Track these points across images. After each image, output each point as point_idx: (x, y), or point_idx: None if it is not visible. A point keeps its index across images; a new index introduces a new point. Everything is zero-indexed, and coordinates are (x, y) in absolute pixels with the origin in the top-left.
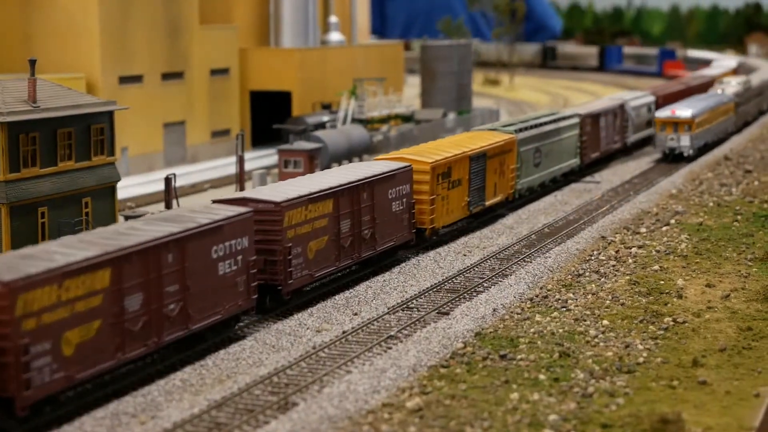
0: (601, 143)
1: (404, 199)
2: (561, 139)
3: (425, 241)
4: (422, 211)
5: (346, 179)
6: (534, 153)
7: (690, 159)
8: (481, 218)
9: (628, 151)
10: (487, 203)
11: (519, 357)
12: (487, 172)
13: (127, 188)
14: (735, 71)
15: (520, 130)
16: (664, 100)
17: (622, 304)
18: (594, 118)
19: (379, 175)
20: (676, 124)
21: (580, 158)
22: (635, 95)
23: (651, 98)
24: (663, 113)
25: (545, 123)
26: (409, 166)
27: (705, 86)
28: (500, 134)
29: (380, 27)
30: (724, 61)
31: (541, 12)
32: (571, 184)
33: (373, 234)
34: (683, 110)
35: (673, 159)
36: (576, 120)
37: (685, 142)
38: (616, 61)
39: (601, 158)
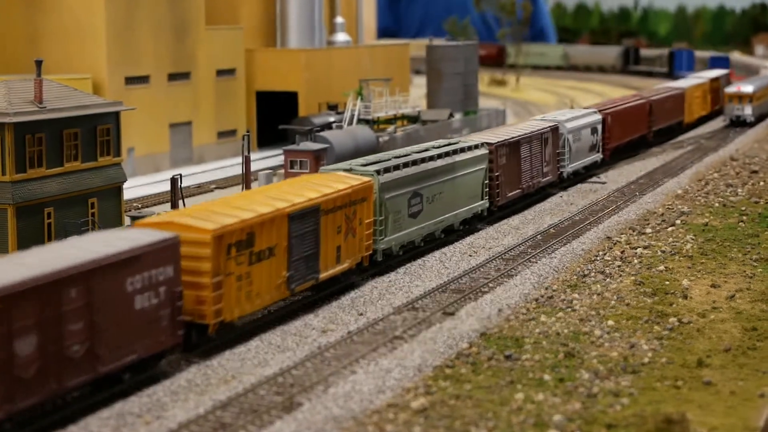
0: (523, 178)
1: (162, 288)
2: (458, 177)
3: (208, 341)
4: (201, 299)
5: (35, 271)
6: (410, 199)
7: (751, 124)
8: (326, 290)
9: (571, 182)
10: (324, 275)
11: (524, 357)
12: (324, 233)
13: (133, 189)
14: (715, 80)
15: (387, 169)
16: (614, 120)
17: (627, 305)
18: (512, 146)
19: (103, 262)
20: (740, 98)
21: (490, 199)
22: (576, 114)
23: (597, 117)
24: (731, 89)
25: (432, 158)
26: (174, 237)
27: (674, 99)
28: (350, 178)
29: (394, 27)
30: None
31: (541, 15)
32: (578, 185)
33: (91, 349)
34: (746, 87)
35: (738, 125)
36: (483, 151)
37: (747, 111)
38: (686, 67)
39: (526, 195)
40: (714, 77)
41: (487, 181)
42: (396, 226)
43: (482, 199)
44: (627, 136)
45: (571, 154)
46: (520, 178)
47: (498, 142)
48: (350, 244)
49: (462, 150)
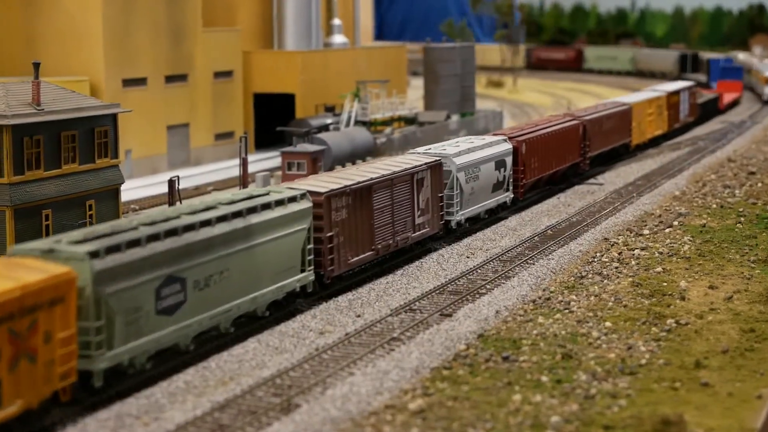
0: (378, 235)
1: None
2: (259, 245)
3: None
4: None
5: None
6: (160, 288)
7: None
8: None
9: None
10: None
11: (521, 359)
12: None
13: (130, 191)
14: (674, 94)
15: (114, 248)
16: (531, 149)
17: (625, 306)
18: (356, 195)
19: None
20: None
21: (319, 269)
22: (473, 144)
23: (506, 147)
24: (766, 71)
25: (205, 223)
26: None
27: (617, 118)
28: (34, 268)
29: (378, 30)
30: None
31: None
32: (575, 186)
33: None
34: None
35: None
36: (305, 205)
37: None
38: (737, 75)
39: (381, 258)
40: (673, 90)
41: (310, 246)
42: (132, 330)
43: (304, 271)
44: (550, 167)
45: (463, 196)
46: (371, 235)
47: (330, 191)
48: (23, 375)
49: (266, 207)
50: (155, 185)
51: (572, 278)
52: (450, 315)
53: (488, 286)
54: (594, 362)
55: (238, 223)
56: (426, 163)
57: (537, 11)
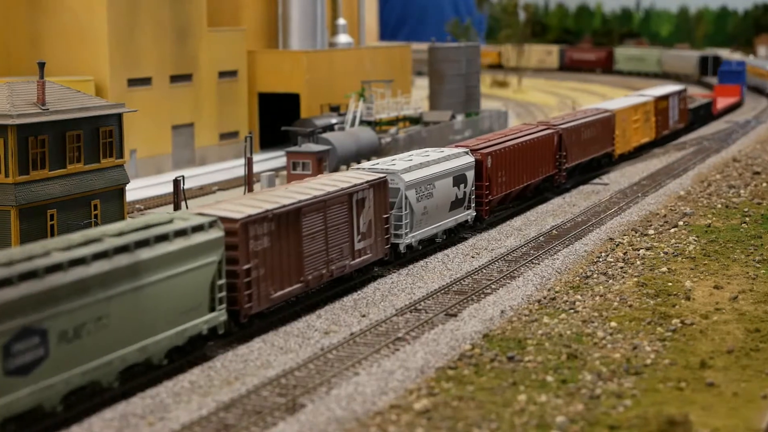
0: (309, 264)
1: None
2: (150, 285)
3: None
4: None
5: None
6: (11, 343)
7: None
8: None
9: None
10: None
11: (527, 359)
12: None
13: (135, 190)
14: (663, 99)
15: None
16: (497, 162)
17: (630, 306)
18: (281, 220)
19: None
20: None
21: (234, 306)
22: (427, 159)
23: (466, 160)
24: None
25: (78, 262)
26: None
27: (598, 126)
28: None
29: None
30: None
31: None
32: (580, 186)
33: None
34: None
35: None
36: (214, 234)
37: None
38: (737, 78)
39: (313, 290)
40: (661, 95)
41: (222, 281)
42: None
43: (214, 310)
44: (520, 181)
45: (413, 217)
46: (300, 266)
47: (248, 217)
48: None
49: (161, 239)
50: (160, 185)
51: (577, 278)
52: (455, 315)
53: (493, 286)
54: (599, 362)
55: (122, 260)
56: (368, 181)
57: (542, 11)
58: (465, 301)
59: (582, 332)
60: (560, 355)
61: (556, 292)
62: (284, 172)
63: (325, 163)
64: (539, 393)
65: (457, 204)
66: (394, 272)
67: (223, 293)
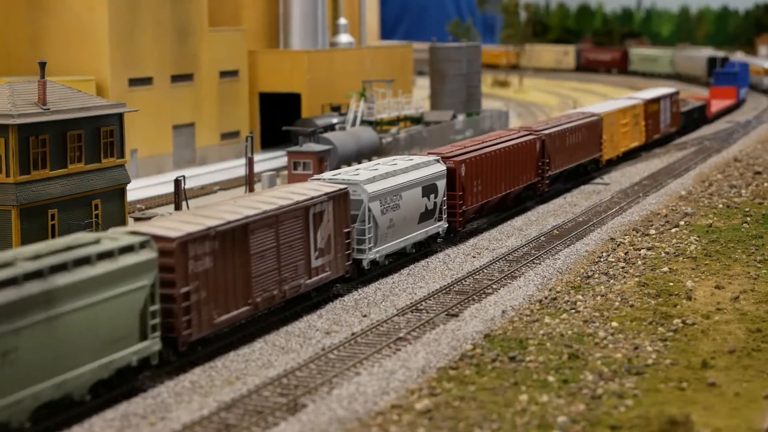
0: (258, 285)
1: None
2: (69, 314)
3: None
4: None
5: None
6: None
7: None
8: None
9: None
10: None
11: (528, 359)
12: None
13: (136, 190)
14: (654, 102)
15: None
16: (471, 170)
17: (631, 306)
18: (226, 238)
19: None
20: None
21: (171, 333)
22: (394, 168)
23: (437, 169)
24: None
25: None
26: None
27: (584, 131)
28: None
29: None
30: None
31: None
32: (581, 186)
33: None
34: None
35: None
36: (145, 256)
37: None
38: (733, 80)
39: (264, 313)
40: (652, 98)
41: (155, 307)
42: None
43: (147, 339)
44: (498, 190)
45: (378, 230)
46: (248, 287)
47: (186, 235)
48: None
49: (82, 262)
50: (161, 185)
51: (578, 278)
52: (456, 315)
53: (494, 286)
54: (601, 362)
55: (33, 288)
56: (326, 193)
57: (543, 11)
58: (466, 301)
59: (583, 332)
60: (561, 355)
61: (558, 292)
62: (285, 172)
63: (326, 162)
64: (541, 393)
65: (427, 215)
66: (395, 273)
67: (156, 320)
